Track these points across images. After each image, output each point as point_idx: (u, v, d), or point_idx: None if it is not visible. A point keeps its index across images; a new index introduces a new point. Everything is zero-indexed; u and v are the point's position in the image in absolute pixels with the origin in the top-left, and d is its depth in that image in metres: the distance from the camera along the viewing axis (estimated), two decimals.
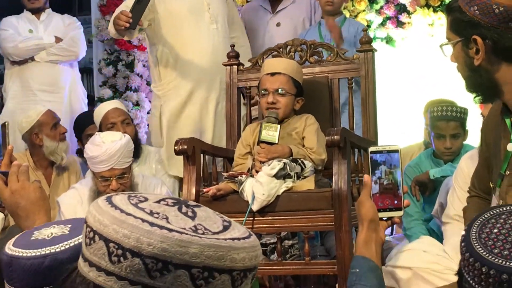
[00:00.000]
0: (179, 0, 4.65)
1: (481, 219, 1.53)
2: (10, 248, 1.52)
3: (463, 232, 1.53)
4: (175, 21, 4.62)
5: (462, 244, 1.51)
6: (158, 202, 1.20)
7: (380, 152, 1.89)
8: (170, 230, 1.12)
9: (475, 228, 1.52)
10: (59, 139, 4.78)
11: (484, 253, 1.44)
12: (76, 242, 1.49)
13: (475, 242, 1.48)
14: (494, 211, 1.54)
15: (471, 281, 1.47)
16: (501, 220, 1.51)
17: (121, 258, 1.11)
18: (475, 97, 2.41)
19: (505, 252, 1.44)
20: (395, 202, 1.91)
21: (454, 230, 3.49)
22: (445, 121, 4.34)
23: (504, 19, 2.21)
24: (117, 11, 4.37)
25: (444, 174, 4.24)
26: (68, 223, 1.58)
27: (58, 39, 5.63)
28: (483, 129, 2.58)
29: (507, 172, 2.30)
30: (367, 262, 1.87)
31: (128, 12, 4.19)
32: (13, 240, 1.55)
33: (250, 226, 3.42)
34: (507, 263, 1.42)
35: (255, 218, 3.41)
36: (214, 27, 4.64)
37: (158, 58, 4.74)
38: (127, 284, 1.12)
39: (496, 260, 1.42)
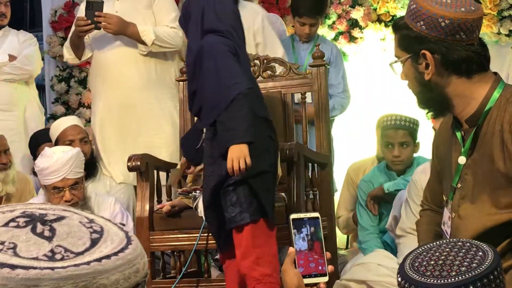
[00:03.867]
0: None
1: (413, 253, 1.77)
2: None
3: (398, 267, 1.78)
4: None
5: (398, 275, 1.74)
6: (6, 224, 0.98)
7: (301, 219, 1.94)
8: (13, 267, 0.90)
9: (408, 260, 1.75)
10: None
11: (417, 277, 1.68)
12: None
13: (409, 271, 1.71)
14: (424, 247, 1.78)
15: None
16: (431, 251, 1.74)
17: None
18: (427, 113, 2.44)
19: (436, 273, 1.66)
20: (319, 267, 1.93)
21: (408, 243, 3.51)
22: (393, 130, 4.39)
23: (450, 32, 2.23)
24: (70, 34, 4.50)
25: (397, 188, 4.28)
26: None
27: (12, 58, 5.52)
28: (434, 143, 2.60)
29: (459, 185, 2.32)
30: None
31: (83, 17, 4.31)
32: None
33: (205, 242, 3.40)
34: (435, 281, 1.64)
35: (210, 234, 3.40)
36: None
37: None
38: None
39: (428, 280, 1.66)
